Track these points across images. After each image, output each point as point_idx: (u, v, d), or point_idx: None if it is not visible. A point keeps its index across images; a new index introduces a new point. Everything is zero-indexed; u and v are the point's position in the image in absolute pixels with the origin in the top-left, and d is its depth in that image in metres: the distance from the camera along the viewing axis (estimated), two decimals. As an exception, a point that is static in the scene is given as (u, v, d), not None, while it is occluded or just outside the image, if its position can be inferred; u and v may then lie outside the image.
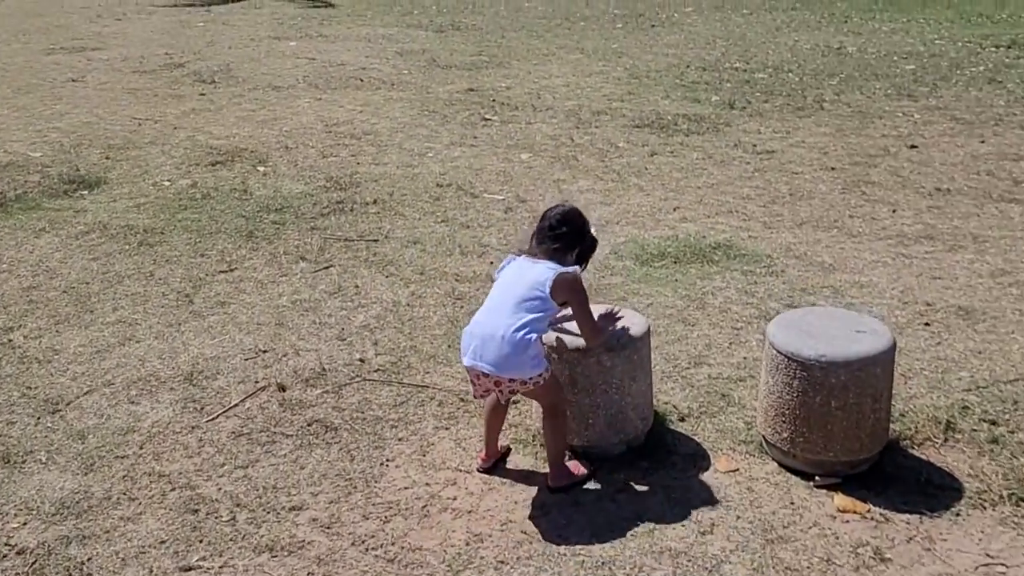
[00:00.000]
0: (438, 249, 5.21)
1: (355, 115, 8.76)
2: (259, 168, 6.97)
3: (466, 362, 2.93)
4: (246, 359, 3.92)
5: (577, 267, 2.99)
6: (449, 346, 4.03)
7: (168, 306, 4.47)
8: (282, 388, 3.67)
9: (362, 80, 10.57)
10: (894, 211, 5.82)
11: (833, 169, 6.78)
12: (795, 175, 6.66)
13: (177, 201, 6.16)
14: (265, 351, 3.98)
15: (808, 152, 7.29)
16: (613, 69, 11.14)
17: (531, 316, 2.84)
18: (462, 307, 4.45)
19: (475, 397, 3.08)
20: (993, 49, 12.16)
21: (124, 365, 3.89)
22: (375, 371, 3.82)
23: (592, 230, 3.14)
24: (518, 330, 2.81)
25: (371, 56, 12.23)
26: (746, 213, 5.82)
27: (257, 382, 3.73)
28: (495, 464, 3.17)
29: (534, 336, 2.83)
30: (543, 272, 2.91)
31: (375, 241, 5.38)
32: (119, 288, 4.71)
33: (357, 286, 4.70)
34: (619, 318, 3.15)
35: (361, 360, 3.90)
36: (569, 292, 2.93)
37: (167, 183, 6.60)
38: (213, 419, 3.48)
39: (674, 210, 5.90)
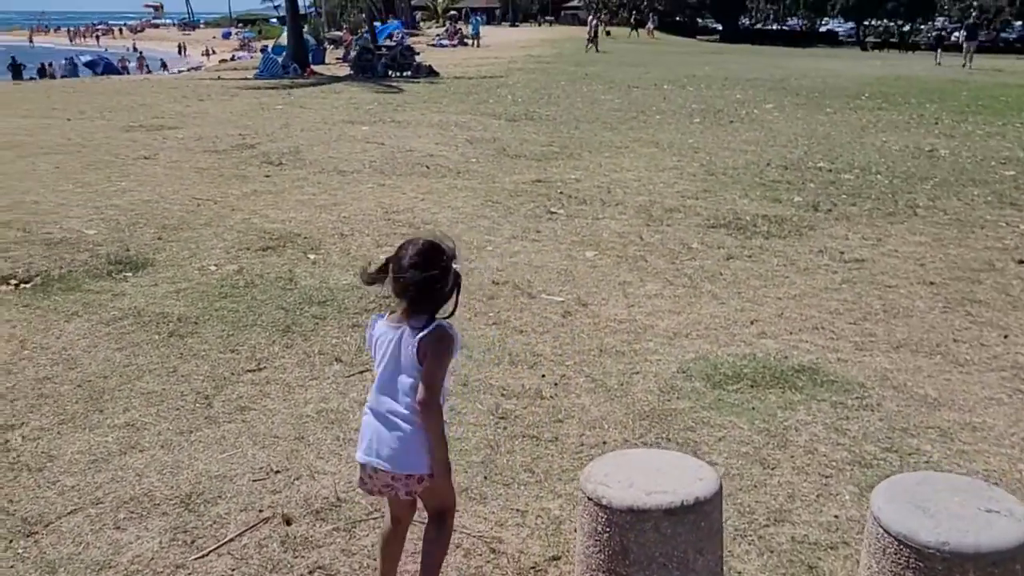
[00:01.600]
0: (485, 357, 4.71)
1: (416, 203, 8.46)
2: (309, 256, 6.64)
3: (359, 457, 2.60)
4: (255, 480, 3.44)
5: (442, 324, 2.49)
6: (485, 477, 3.49)
7: (184, 409, 4.06)
8: (288, 521, 3.17)
9: (428, 167, 10.35)
10: (1006, 336, 5.13)
11: (932, 284, 6.12)
12: (889, 289, 6.01)
13: (219, 288, 5.84)
14: (278, 471, 3.50)
15: (902, 263, 6.64)
16: (688, 164, 10.71)
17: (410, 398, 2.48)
18: (505, 428, 3.92)
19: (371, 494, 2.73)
20: (1102, 157, 11.38)
21: (119, 480, 3.45)
22: (397, 505, 3.29)
23: (454, 264, 2.54)
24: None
25: (440, 143, 12.08)
26: (834, 331, 5.19)
27: (261, 511, 3.24)
28: None
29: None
30: (407, 343, 2.49)
31: (419, 343, 4.91)
32: (137, 384, 4.33)
33: (391, 397, 4.22)
34: None
35: (382, 491, 3.38)
36: (430, 347, 2.47)
37: (213, 267, 6.31)
38: (202, 556, 2.99)
39: (751, 323, 5.31)
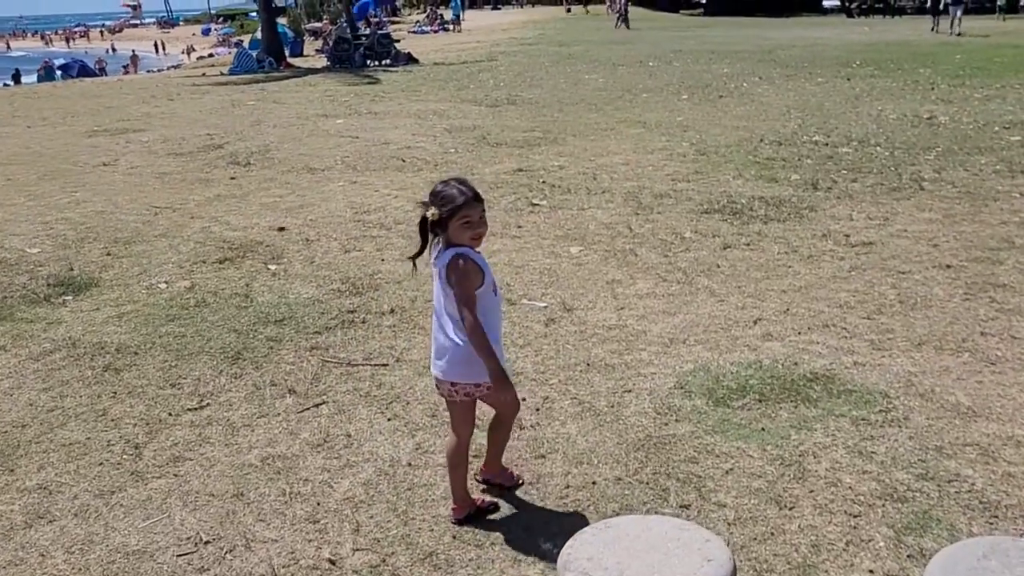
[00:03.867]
0: (459, 379, 4.17)
1: (389, 201, 7.91)
2: (270, 266, 6.09)
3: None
4: (179, 555, 2.91)
5: (456, 251, 2.80)
6: (454, 537, 2.96)
7: (108, 463, 3.52)
8: (214, 610, 2.64)
9: (404, 160, 9.78)
10: (1038, 325, 4.61)
11: (949, 267, 5.59)
12: (902, 275, 5.48)
13: (167, 310, 5.29)
14: (208, 541, 2.97)
15: (914, 244, 6.11)
16: (677, 144, 10.15)
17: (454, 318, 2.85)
18: (480, 470, 3.39)
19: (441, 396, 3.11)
20: (1111, 116, 10.85)
21: (18, 562, 2.92)
22: (346, 581, 2.76)
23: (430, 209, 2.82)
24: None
25: (418, 134, 11.50)
26: (847, 328, 4.66)
27: (183, 598, 2.71)
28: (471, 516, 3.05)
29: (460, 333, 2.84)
30: (436, 271, 2.90)
31: (384, 366, 4.38)
32: (58, 434, 3.78)
33: (349, 435, 3.69)
34: None
35: (331, 562, 2.85)
36: (452, 272, 2.81)
37: (163, 285, 5.76)
38: (107, 664, 2.46)
39: (755, 323, 4.79)
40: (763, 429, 3.59)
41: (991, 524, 2.92)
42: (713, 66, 19.23)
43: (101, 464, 3.51)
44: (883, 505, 3.03)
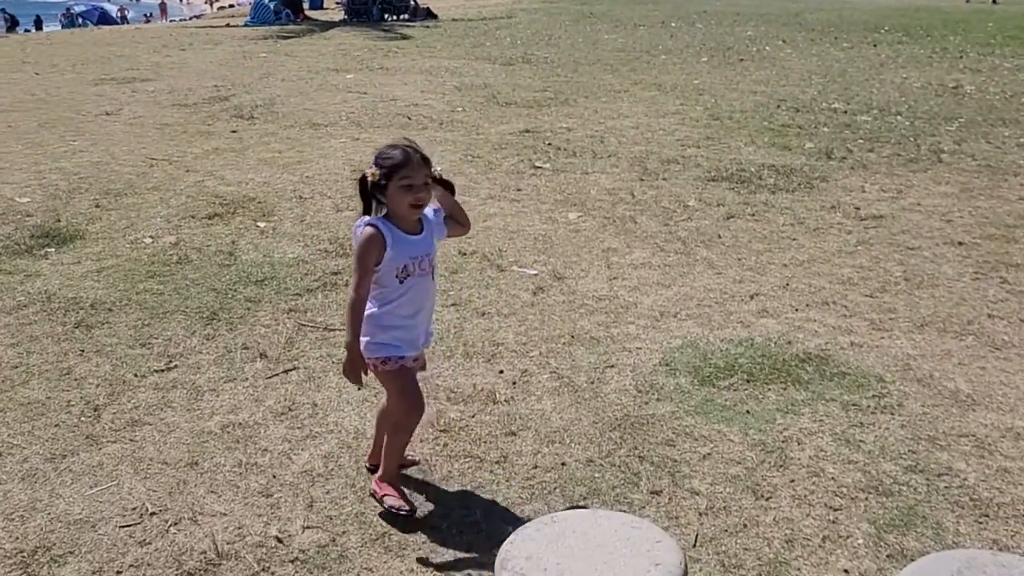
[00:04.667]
0: (436, 348, 4.01)
1: (389, 159, 7.69)
2: (259, 224, 5.94)
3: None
4: (122, 525, 2.78)
5: (365, 219, 2.67)
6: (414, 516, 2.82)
7: (63, 426, 3.40)
8: (146, 588, 2.52)
9: (409, 118, 9.55)
10: (1050, 309, 4.38)
11: (961, 244, 5.35)
12: (911, 251, 5.25)
13: (148, 266, 5.16)
14: (154, 513, 2.84)
15: (926, 219, 5.86)
16: (691, 109, 9.86)
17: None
18: (445, 445, 3.25)
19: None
20: None
21: (-44, 528, 2.81)
22: (291, 560, 2.63)
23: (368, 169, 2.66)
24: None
25: (427, 91, 11.25)
26: (847, 306, 4.46)
27: (119, 573, 2.59)
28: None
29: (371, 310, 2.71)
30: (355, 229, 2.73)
31: (362, 331, 4.22)
32: (19, 393, 3.67)
33: (315, 404, 3.55)
34: None
35: (278, 539, 2.72)
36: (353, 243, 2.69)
37: (148, 240, 5.62)
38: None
39: (751, 298, 4.59)
40: (747, 412, 3.41)
41: (980, 524, 2.74)
42: (736, 28, 18.74)
43: (57, 426, 3.39)
44: (866, 499, 2.85)
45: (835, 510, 2.81)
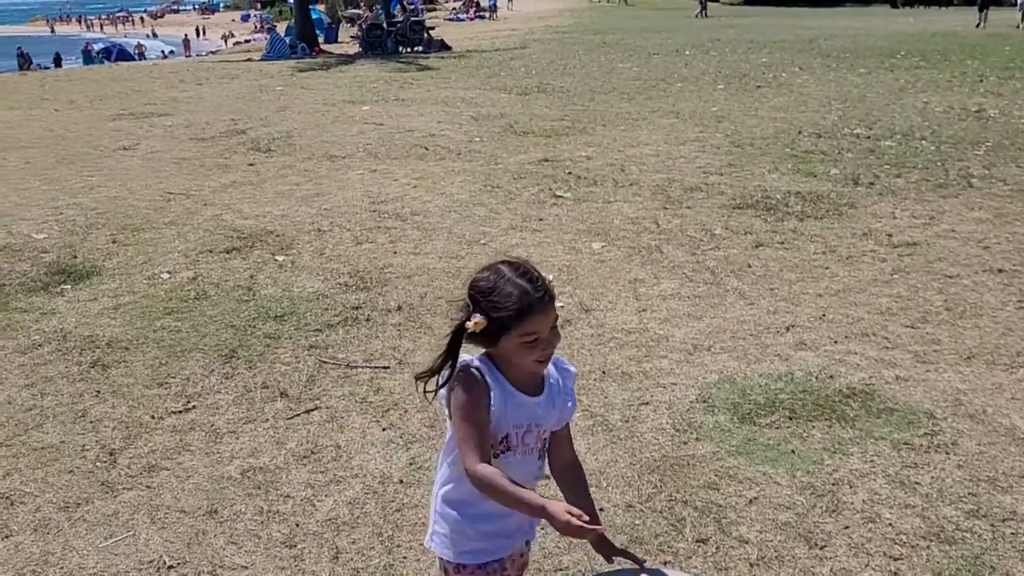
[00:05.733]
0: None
1: (408, 190, 7.61)
2: (277, 257, 5.83)
3: None
4: (139, 581, 2.64)
5: (470, 360, 1.87)
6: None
7: (78, 472, 3.27)
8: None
9: (427, 149, 9.48)
10: (1101, 339, 4.20)
11: (1001, 271, 5.17)
12: (950, 279, 5.08)
13: (165, 302, 5.05)
14: (171, 567, 2.70)
15: (962, 245, 5.70)
16: (711, 136, 9.74)
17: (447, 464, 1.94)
18: (476, 490, 3.08)
19: None
20: None
21: (-35, 583, 2.67)
22: (318, 619, 2.48)
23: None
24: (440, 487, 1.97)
25: (444, 121, 11.20)
26: (888, 337, 4.28)
27: (135, 633, 2.44)
28: None
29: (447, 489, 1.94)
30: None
31: (384, 368, 4.09)
32: (32, 436, 3.54)
33: (339, 446, 3.40)
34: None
35: (303, 595, 2.56)
36: (451, 396, 1.87)
37: (166, 275, 5.52)
38: None
39: (787, 330, 4.42)
40: (793, 452, 3.24)
41: (1052, 573, 2.56)
42: (751, 56, 18.70)
43: (71, 472, 3.26)
44: (928, 547, 2.67)
45: (895, 559, 2.63)
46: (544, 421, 1.93)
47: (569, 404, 1.97)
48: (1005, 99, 11.91)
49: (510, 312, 1.78)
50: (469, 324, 1.80)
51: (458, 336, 1.84)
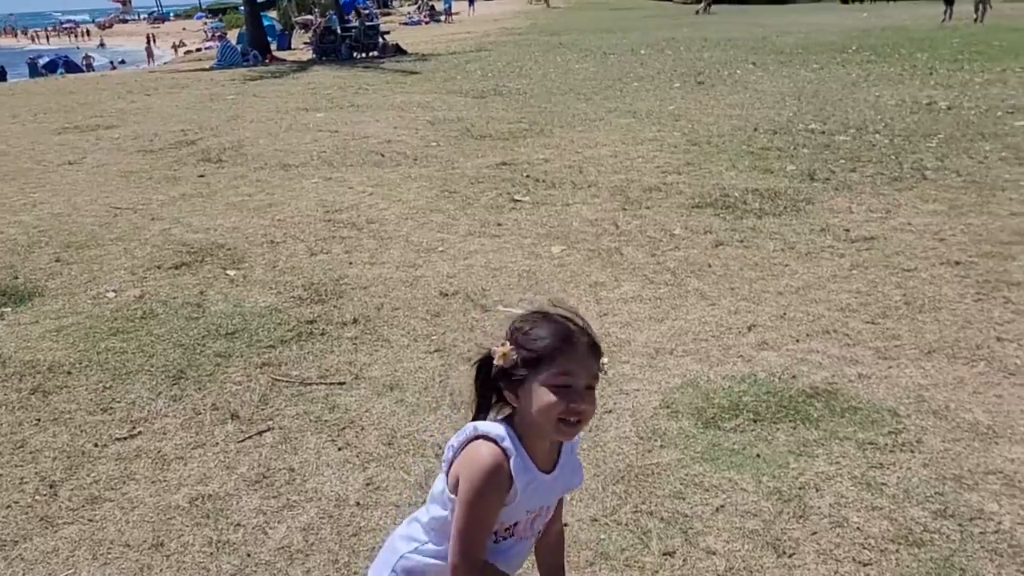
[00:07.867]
0: (420, 399, 3.76)
1: (363, 198, 7.48)
2: (228, 272, 5.67)
3: None
4: (79, 623, 2.49)
5: (481, 427, 1.66)
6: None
7: (16, 507, 3.10)
8: None
9: (383, 155, 9.35)
10: (1059, 329, 4.20)
11: (958, 263, 5.19)
12: (907, 273, 5.08)
13: (110, 322, 4.87)
14: (114, 606, 2.56)
15: (918, 238, 5.71)
16: (669, 135, 9.73)
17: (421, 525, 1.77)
18: (436, 510, 2.97)
19: None
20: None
21: None
22: (270, 656, 2.35)
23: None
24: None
25: (400, 127, 11.07)
26: (849, 334, 4.26)
27: None
28: None
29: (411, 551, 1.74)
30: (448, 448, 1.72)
31: (340, 384, 3.97)
32: (-33, 470, 3.36)
33: (292, 469, 3.27)
34: None
35: (253, 630, 2.44)
36: (461, 470, 1.65)
37: (111, 295, 5.33)
38: None
39: (749, 329, 4.38)
40: (758, 456, 3.18)
41: (1023, 572, 2.52)
42: (706, 54, 18.81)
43: (9, 507, 3.09)
44: (896, 551, 2.62)
45: (865, 565, 2.58)
46: (554, 502, 1.78)
47: (576, 479, 1.80)
48: (955, 91, 12.08)
49: (545, 342, 1.60)
50: (496, 352, 1.63)
51: (485, 367, 1.67)
